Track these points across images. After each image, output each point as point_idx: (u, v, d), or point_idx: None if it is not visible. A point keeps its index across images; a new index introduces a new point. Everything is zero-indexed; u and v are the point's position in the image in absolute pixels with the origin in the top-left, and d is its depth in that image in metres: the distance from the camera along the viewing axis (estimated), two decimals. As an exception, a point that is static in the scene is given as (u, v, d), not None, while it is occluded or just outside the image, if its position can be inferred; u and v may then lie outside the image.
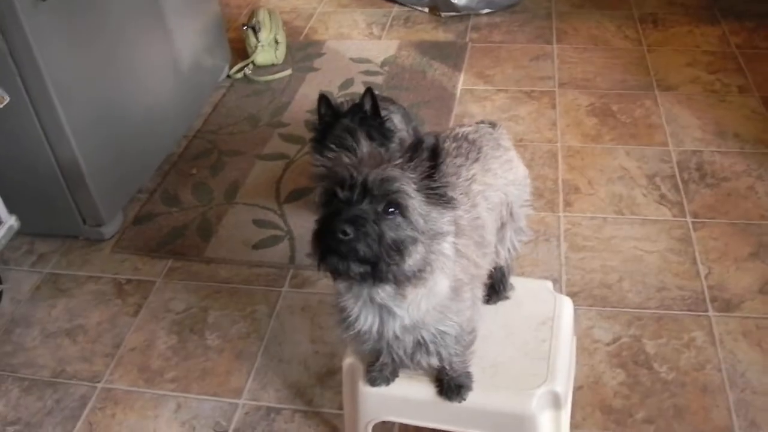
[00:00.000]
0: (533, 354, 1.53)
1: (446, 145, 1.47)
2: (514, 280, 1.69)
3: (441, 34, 3.66)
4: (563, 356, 1.53)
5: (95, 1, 2.28)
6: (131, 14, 2.50)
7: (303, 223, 2.47)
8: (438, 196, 1.18)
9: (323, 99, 2.11)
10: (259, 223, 2.49)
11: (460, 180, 1.40)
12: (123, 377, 2.01)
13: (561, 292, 2.15)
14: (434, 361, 1.36)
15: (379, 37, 3.66)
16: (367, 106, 2.14)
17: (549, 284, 1.70)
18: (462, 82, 3.24)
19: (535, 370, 1.49)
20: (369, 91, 2.13)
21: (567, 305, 1.65)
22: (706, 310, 2.10)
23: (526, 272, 2.24)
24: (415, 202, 1.15)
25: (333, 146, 1.29)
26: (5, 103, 2.11)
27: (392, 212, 1.13)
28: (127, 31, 2.48)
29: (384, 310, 1.26)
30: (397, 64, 3.38)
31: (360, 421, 1.59)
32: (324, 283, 2.25)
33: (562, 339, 1.56)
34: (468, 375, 1.48)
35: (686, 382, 1.91)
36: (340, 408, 1.83)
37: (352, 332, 1.31)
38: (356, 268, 1.14)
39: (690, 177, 2.60)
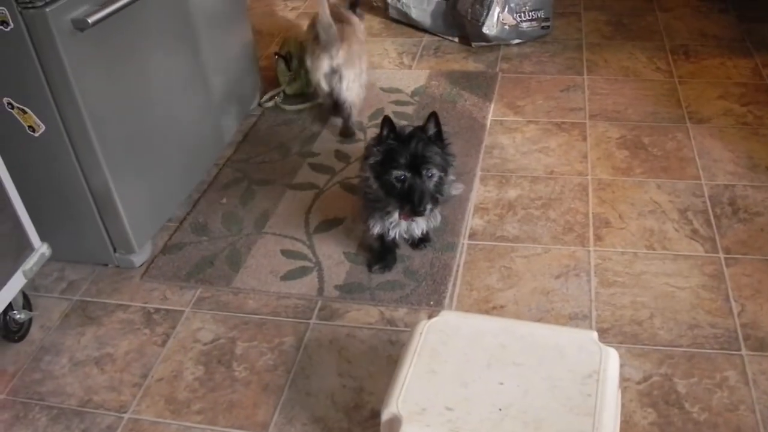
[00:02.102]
0: (578, 410, 1.49)
1: None
2: (557, 328, 1.67)
3: (471, 64, 3.67)
4: (609, 412, 1.49)
5: (131, 31, 2.30)
6: (166, 43, 2.53)
7: (332, 254, 2.48)
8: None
9: (387, 121, 2.11)
10: (287, 254, 2.49)
11: None
12: (150, 408, 2.01)
13: (592, 328, 2.13)
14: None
15: (410, 67, 3.67)
16: (432, 130, 2.14)
17: (594, 335, 1.66)
18: (492, 112, 3.24)
19: (580, 426, 1.45)
20: (433, 114, 2.13)
21: (613, 357, 1.60)
22: (739, 349, 2.07)
23: (556, 308, 2.22)
24: None
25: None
26: (41, 131, 2.14)
27: None
28: (161, 60, 2.50)
29: None
30: (427, 94, 3.39)
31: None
32: (352, 315, 2.25)
33: (608, 394, 1.52)
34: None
35: (719, 423, 1.87)
36: (367, 444, 1.82)
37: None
38: None
39: (722, 212, 2.57)
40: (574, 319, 2.19)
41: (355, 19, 3.20)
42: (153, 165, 2.51)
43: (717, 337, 2.11)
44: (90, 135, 2.17)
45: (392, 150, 2.11)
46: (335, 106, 3.14)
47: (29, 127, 2.14)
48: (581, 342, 1.65)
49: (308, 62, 3.05)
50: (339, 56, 2.94)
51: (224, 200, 2.78)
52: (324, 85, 3.03)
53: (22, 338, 2.25)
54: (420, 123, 2.19)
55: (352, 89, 3.03)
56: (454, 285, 2.34)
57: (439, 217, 2.34)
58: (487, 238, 2.52)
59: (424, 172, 2.10)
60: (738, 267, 2.34)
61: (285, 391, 2.03)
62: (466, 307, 2.26)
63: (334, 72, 2.98)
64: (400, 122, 2.98)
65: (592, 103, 3.26)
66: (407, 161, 2.08)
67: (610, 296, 2.26)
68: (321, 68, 2.97)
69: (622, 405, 1.91)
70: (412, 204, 2.11)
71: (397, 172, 2.10)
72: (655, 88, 3.37)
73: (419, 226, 2.30)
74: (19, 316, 2.21)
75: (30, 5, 1.93)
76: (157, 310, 2.33)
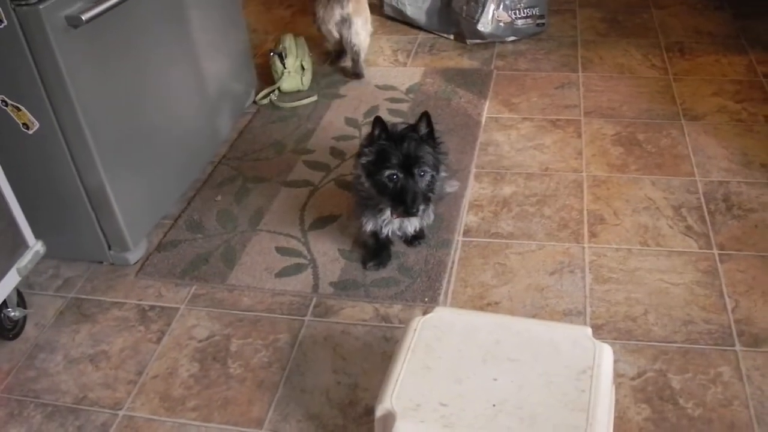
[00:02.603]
0: (573, 405, 1.49)
1: None
2: (551, 324, 1.68)
3: (466, 62, 3.67)
4: (603, 407, 1.49)
5: (126, 28, 2.30)
6: (161, 41, 2.53)
7: (326, 251, 2.48)
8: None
9: (379, 121, 2.11)
10: (282, 251, 2.49)
11: None
12: (145, 405, 2.01)
13: (586, 324, 2.14)
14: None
15: (405, 64, 3.67)
16: (423, 130, 2.14)
17: (588, 330, 1.66)
18: (487, 109, 3.24)
19: (575, 421, 1.45)
20: (425, 114, 2.13)
21: (607, 353, 1.61)
22: (733, 345, 2.08)
23: (550, 304, 2.22)
24: None
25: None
26: (35, 129, 2.14)
27: None
28: (156, 57, 2.50)
29: None
30: (422, 92, 3.39)
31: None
32: (347, 312, 2.25)
33: (602, 389, 1.52)
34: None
35: (713, 418, 1.88)
36: (362, 440, 1.82)
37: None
38: None
39: (716, 208, 2.57)
40: (569, 315, 2.19)
41: None
42: (148, 162, 2.51)
43: (711, 332, 2.11)
44: (84, 132, 2.17)
45: (384, 150, 2.11)
46: (341, 52, 3.67)
47: (23, 124, 2.14)
48: (576, 338, 1.65)
49: (320, 13, 3.46)
50: (349, 6, 3.40)
51: (219, 198, 2.78)
52: (335, 33, 3.48)
53: (16, 336, 2.25)
54: (414, 120, 2.19)
55: (360, 34, 3.49)
56: (449, 282, 2.34)
57: (432, 215, 2.34)
58: (482, 235, 2.52)
59: (416, 171, 2.10)
60: (732, 263, 2.34)
61: (280, 387, 2.03)
62: (461, 303, 2.26)
63: (344, 20, 3.42)
64: (394, 120, 3.00)
65: (587, 100, 3.27)
66: (400, 161, 2.09)
67: (604, 292, 2.26)
68: (333, 17, 3.41)
69: (617, 401, 1.92)
70: (405, 205, 2.12)
71: (389, 172, 2.10)
72: (650, 85, 3.37)
73: (412, 224, 2.31)
74: (14, 313, 2.21)
75: (23, 2, 1.93)
76: (152, 308, 2.33)
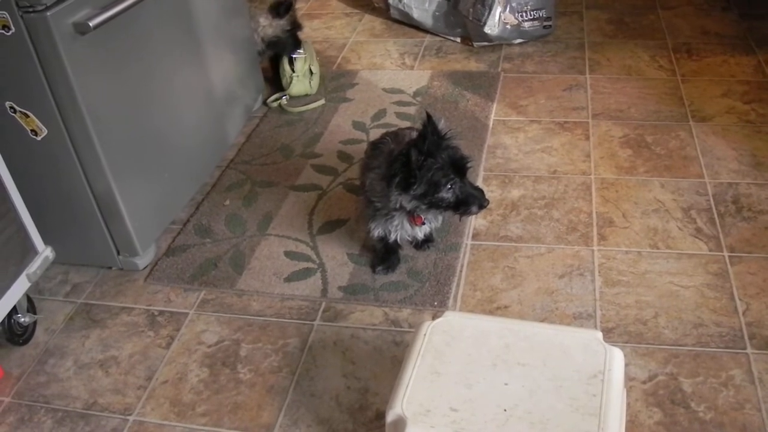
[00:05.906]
0: (584, 410, 1.48)
1: None
2: (561, 328, 1.68)
3: (473, 64, 3.67)
4: (615, 412, 1.48)
5: (133, 33, 2.30)
6: (169, 46, 2.53)
7: (335, 255, 2.47)
8: None
9: (415, 145, 2.04)
10: (291, 255, 2.49)
11: None
12: (155, 410, 2.01)
13: (596, 327, 2.13)
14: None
15: (412, 67, 3.67)
16: (442, 128, 2.10)
17: (599, 335, 1.66)
18: (495, 112, 3.24)
19: (586, 426, 1.45)
20: (428, 116, 2.06)
21: (618, 357, 1.60)
22: (745, 348, 2.07)
23: (560, 307, 2.22)
24: None
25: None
26: (43, 135, 2.14)
27: None
28: (164, 62, 2.51)
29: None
30: (429, 95, 3.39)
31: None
32: (356, 316, 2.25)
33: (613, 393, 1.52)
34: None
35: (725, 422, 1.87)
36: (372, 445, 1.82)
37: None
38: None
39: (726, 210, 2.56)
40: (579, 318, 2.19)
41: None
42: (156, 168, 2.51)
43: (722, 335, 2.10)
44: (92, 138, 2.17)
45: (434, 175, 2.06)
46: None
47: (32, 131, 2.14)
48: (586, 342, 1.64)
49: None
50: None
51: (227, 202, 2.78)
52: None
53: (26, 341, 2.25)
54: (421, 125, 2.14)
55: None
56: (458, 285, 2.34)
57: (440, 218, 2.33)
58: (491, 239, 2.52)
59: (467, 168, 2.10)
60: (742, 265, 2.33)
61: (290, 392, 2.03)
62: (470, 307, 2.26)
63: None
64: (402, 123, 3.00)
65: (594, 102, 3.26)
66: (454, 171, 2.07)
67: (614, 296, 2.25)
68: None
69: (628, 404, 1.91)
70: (477, 202, 2.11)
71: (449, 187, 2.07)
72: (657, 86, 3.36)
73: (422, 228, 2.30)
74: (24, 319, 2.22)
75: (31, 9, 1.94)
76: (161, 313, 2.33)
